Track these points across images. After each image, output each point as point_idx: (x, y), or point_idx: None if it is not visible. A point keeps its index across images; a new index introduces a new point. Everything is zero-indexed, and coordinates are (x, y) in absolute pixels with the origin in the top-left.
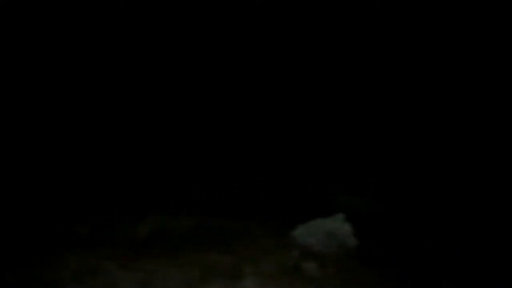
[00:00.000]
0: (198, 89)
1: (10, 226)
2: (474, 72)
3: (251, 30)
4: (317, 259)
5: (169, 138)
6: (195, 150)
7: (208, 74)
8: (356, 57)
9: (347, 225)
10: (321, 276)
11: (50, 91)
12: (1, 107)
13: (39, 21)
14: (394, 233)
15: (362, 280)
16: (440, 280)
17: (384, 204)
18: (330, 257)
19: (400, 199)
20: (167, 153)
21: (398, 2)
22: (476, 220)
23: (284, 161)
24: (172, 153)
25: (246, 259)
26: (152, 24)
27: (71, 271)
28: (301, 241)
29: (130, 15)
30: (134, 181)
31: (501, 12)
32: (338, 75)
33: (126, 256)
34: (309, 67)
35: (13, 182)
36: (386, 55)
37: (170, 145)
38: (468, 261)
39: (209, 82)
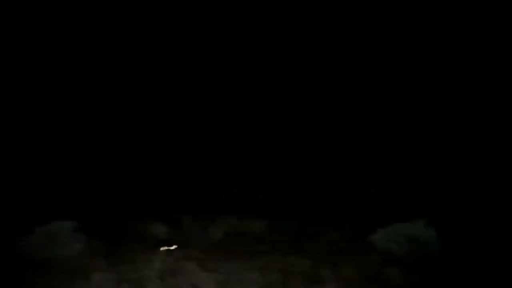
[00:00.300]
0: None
1: (96, 229)
2: (474, 72)
3: (251, 30)
4: (401, 266)
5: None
6: (260, 154)
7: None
8: (356, 57)
9: (430, 230)
10: (406, 283)
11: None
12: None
13: (39, 21)
14: (478, 238)
15: None
16: None
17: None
18: (414, 264)
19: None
20: (236, 157)
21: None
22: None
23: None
24: (240, 157)
25: (324, 263)
26: (152, 25)
27: (156, 271)
28: (381, 246)
29: (130, 16)
30: (205, 184)
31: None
32: (338, 75)
33: (203, 257)
34: (309, 68)
35: (93, 188)
36: (386, 55)
37: (236, 149)
38: None
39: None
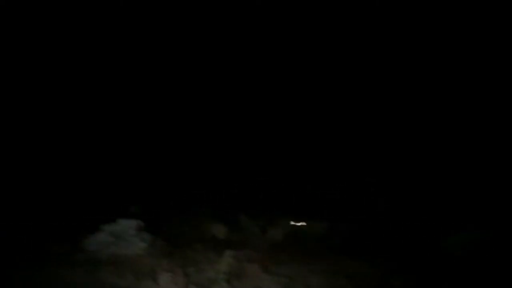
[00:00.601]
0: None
1: (158, 228)
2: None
3: (251, 30)
4: (476, 274)
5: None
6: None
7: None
8: (356, 57)
9: (503, 237)
10: None
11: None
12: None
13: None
14: None
15: None
16: None
17: None
18: (489, 272)
19: None
20: (296, 159)
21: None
22: None
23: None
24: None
25: (391, 269)
26: (152, 25)
27: (221, 273)
28: (454, 252)
29: (130, 15)
30: (265, 187)
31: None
32: (338, 75)
33: (265, 259)
34: (309, 68)
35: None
36: (386, 56)
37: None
38: None
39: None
